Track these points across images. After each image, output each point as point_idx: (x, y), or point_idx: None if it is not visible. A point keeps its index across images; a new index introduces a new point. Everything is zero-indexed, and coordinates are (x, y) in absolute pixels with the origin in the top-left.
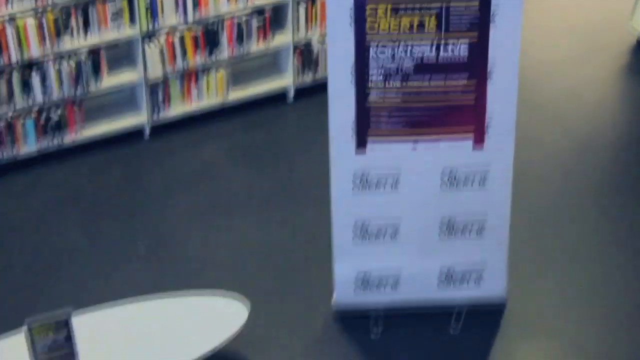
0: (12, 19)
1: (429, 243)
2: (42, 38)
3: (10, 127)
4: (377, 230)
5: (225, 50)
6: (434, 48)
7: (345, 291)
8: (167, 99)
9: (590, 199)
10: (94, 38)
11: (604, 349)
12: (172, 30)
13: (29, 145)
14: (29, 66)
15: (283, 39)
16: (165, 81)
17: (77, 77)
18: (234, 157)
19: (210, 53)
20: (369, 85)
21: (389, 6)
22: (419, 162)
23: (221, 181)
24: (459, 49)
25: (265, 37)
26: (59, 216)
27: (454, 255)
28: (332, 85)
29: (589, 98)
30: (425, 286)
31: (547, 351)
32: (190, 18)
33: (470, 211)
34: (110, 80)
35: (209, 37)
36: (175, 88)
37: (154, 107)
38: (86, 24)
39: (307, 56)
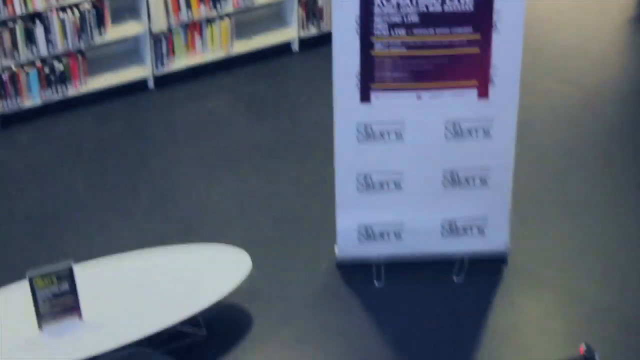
0: None
1: (432, 194)
2: None
3: (14, 78)
4: (381, 181)
5: (229, 2)
6: None
7: (348, 242)
8: (171, 50)
9: (595, 151)
10: None
11: (606, 301)
12: None
13: (32, 97)
14: (32, 18)
15: None
16: (169, 33)
17: (81, 28)
18: (239, 109)
19: (215, 4)
20: (374, 36)
21: None
22: (423, 113)
23: (225, 132)
24: None
25: None
26: (62, 168)
27: (457, 207)
28: (337, 36)
29: (595, 49)
30: (428, 237)
31: (549, 303)
32: None
33: (474, 163)
34: (114, 31)
35: None
36: (179, 40)
37: (158, 58)
38: None
39: (311, 7)
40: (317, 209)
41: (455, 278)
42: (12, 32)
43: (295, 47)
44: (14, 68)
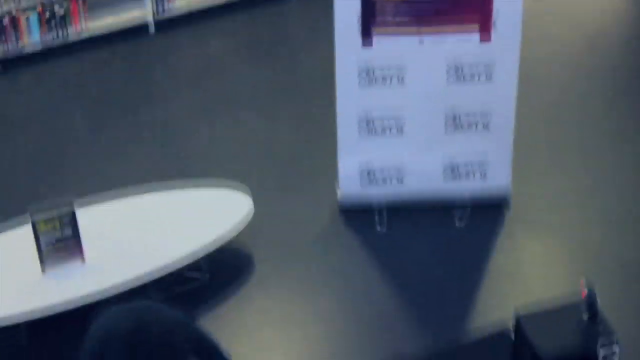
0: None
1: (434, 137)
2: None
3: (14, 22)
4: (382, 124)
5: None
6: None
7: (350, 185)
8: None
9: (598, 96)
10: None
11: (608, 246)
12: None
13: (33, 40)
14: None
15: None
16: None
17: None
18: (240, 52)
19: None
20: None
21: None
22: (425, 55)
23: (227, 76)
24: None
25: None
26: (63, 110)
27: (459, 151)
28: None
29: None
30: (430, 180)
31: (551, 246)
32: None
33: (476, 105)
34: None
35: None
36: None
37: (159, 2)
38: None
39: None
40: (319, 152)
41: (457, 222)
42: None
43: None
44: (14, 12)
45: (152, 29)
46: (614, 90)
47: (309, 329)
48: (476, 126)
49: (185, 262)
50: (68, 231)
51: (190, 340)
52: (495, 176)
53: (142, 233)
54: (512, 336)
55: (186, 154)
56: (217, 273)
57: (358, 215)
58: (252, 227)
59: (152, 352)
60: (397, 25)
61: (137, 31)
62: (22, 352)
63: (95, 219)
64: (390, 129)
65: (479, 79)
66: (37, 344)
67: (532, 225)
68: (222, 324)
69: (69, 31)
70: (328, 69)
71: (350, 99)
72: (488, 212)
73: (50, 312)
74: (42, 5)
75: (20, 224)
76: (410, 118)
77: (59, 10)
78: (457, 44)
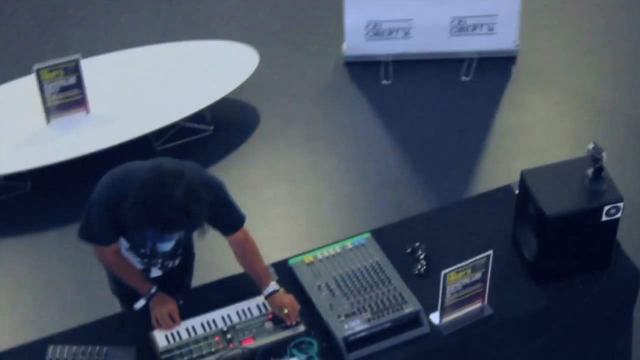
0: None
1: None
2: None
3: None
4: None
5: None
6: None
7: (356, 40)
8: None
9: None
10: None
11: (614, 101)
12: None
13: None
14: None
15: None
16: None
17: None
18: None
19: None
20: None
21: None
22: None
23: None
24: None
25: None
26: None
27: (467, 4)
28: None
29: None
30: (437, 35)
31: (558, 103)
32: None
33: None
34: None
35: None
36: None
37: None
38: None
39: None
40: (325, 5)
41: (463, 77)
42: None
43: None
44: None
45: None
46: None
47: (312, 186)
48: None
49: (190, 113)
50: (72, 80)
51: (216, 202)
52: (503, 31)
53: (146, 84)
54: (516, 192)
55: (192, 9)
56: (222, 126)
57: (363, 69)
58: (257, 81)
59: (176, 203)
60: None
61: None
62: (25, 200)
63: (100, 70)
64: None
65: None
66: (40, 192)
67: (539, 80)
68: (225, 176)
69: None
70: None
71: None
72: (495, 67)
73: (54, 161)
74: None
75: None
76: None
77: None
78: None
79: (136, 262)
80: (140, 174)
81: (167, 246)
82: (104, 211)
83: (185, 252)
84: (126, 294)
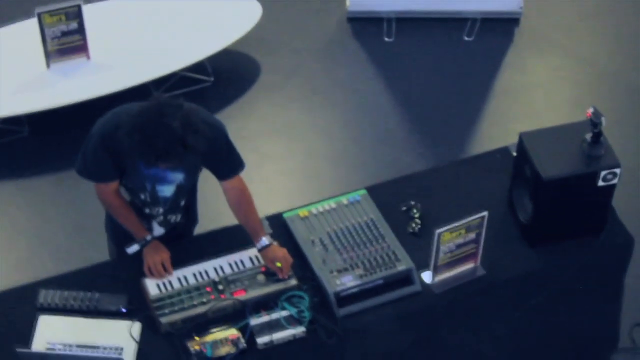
0: None
1: None
2: None
3: None
4: None
5: None
6: None
7: None
8: None
9: None
10: None
11: (615, 66)
12: None
13: None
14: None
15: None
16: None
17: None
18: None
19: None
20: None
21: None
22: None
23: None
24: None
25: None
26: None
27: None
28: None
29: None
30: None
31: (559, 66)
32: None
33: None
34: None
35: None
36: None
37: None
38: None
39: None
40: None
41: (466, 37)
42: None
43: None
44: None
45: None
46: None
47: (310, 141)
48: None
49: (190, 63)
50: (74, 25)
51: (216, 142)
52: None
53: (148, 32)
54: (514, 154)
55: None
56: (222, 77)
57: (366, 25)
58: (259, 34)
59: (175, 136)
60: None
61: None
62: (23, 144)
63: (102, 17)
64: None
65: None
66: (38, 137)
67: (541, 42)
68: None
69: None
70: None
71: None
72: (498, 28)
73: (53, 106)
74: None
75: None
76: None
77: None
78: None
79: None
80: (137, 108)
81: (166, 190)
82: (100, 145)
83: (187, 216)
84: (120, 236)
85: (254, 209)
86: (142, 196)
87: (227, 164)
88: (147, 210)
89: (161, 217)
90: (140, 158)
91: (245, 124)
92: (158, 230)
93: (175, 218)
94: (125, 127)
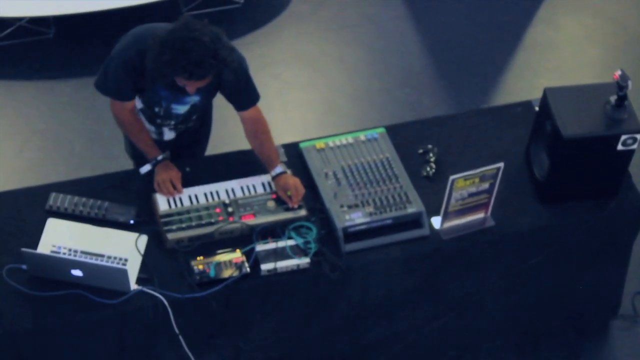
0: None
1: None
2: None
3: None
4: None
5: None
6: None
7: None
8: None
9: None
10: None
11: None
12: None
13: None
14: None
15: None
16: None
17: None
18: None
19: None
20: None
21: None
22: None
23: None
24: None
25: None
26: None
27: None
28: None
29: None
30: None
31: (590, 27)
32: None
33: None
34: None
35: None
36: None
37: None
38: None
39: None
40: None
41: None
42: None
43: None
44: None
45: None
46: None
47: (333, 74)
48: None
49: None
50: None
51: (238, 71)
52: None
53: None
54: (536, 109)
55: None
56: (252, 1)
57: None
58: None
59: (201, 53)
60: None
61: None
62: (47, 45)
63: None
64: None
65: None
66: (63, 40)
67: (576, 1)
68: (247, 53)
69: None
70: None
71: None
72: None
73: (81, 11)
74: None
75: None
76: None
77: None
78: None
79: (148, 127)
80: (162, 31)
81: (181, 109)
82: (122, 67)
83: (202, 122)
84: (140, 156)
85: (270, 138)
86: (157, 109)
87: (245, 94)
88: (158, 121)
89: (172, 126)
90: (172, 74)
91: (269, 51)
92: (169, 134)
93: (186, 127)
94: (154, 48)
